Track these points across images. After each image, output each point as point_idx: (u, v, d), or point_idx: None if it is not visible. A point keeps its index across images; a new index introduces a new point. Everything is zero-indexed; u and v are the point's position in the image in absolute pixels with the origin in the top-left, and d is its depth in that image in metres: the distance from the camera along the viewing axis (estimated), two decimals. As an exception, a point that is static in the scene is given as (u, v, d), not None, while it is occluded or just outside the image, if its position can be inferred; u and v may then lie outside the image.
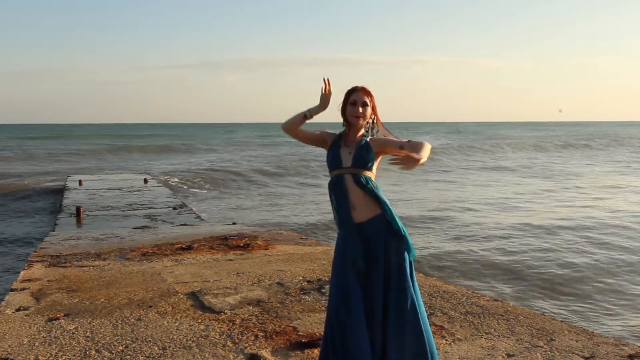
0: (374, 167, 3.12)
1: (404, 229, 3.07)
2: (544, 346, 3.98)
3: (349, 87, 3.17)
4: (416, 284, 3.08)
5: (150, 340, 4.15)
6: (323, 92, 3.10)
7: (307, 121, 3.17)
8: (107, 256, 7.15)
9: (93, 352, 3.94)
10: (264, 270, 6.26)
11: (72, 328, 4.43)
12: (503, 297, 7.14)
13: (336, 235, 3.21)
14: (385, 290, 3.00)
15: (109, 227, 9.97)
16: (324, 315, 4.65)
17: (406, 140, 3.12)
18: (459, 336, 4.19)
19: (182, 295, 5.30)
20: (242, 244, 7.69)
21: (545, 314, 5.07)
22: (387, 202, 3.06)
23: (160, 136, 71.85)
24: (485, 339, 4.13)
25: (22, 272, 6.36)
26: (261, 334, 4.27)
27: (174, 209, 12.51)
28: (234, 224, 10.41)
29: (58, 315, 4.72)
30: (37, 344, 4.10)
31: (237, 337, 4.20)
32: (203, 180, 22.66)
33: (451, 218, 14.08)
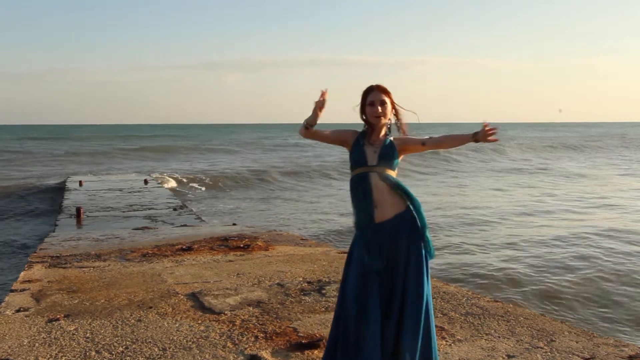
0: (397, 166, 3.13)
1: (427, 227, 3.06)
2: (544, 347, 3.98)
3: (365, 88, 3.15)
4: (430, 285, 3.09)
5: (150, 341, 4.15)
6: (316, 102, 3.05)
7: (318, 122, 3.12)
8: (107, 257, 7.15)
9: (93, 353, 3.94)
10: (264, 271, 6.26)
11: (72, 329, 4.43)
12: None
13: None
14: (402, 290, 3.00)
15: (109, 228, 9.96)
16: (324, 317, 4.65)
17: (427, 136, 3.12)
18: (459, 337, 4.19)
19: (182, 296, 5.30)
20: (242, 245, 7.69)
21: (545, 315, 5.07)
22: (416, 198, 3.06)
23: (161, 137, 71.75)
24: (486, 339, 4.13)
25: (22, 273, 6.36)
26: (261, 335, 4.27)
27: (174, 209, 12.51)
28: (234, 224, 10.41)
29: (58, 316, 4.72)
30: (37, 344, 4.10)
31: (237, 338, 4.20)
32: (211, 181, 22.35)
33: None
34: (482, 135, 2.97)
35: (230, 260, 6.84)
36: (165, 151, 43.22)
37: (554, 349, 3.94)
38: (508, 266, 9.25)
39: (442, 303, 5.01)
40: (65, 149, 45.14)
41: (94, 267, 6.56)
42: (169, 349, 4.01)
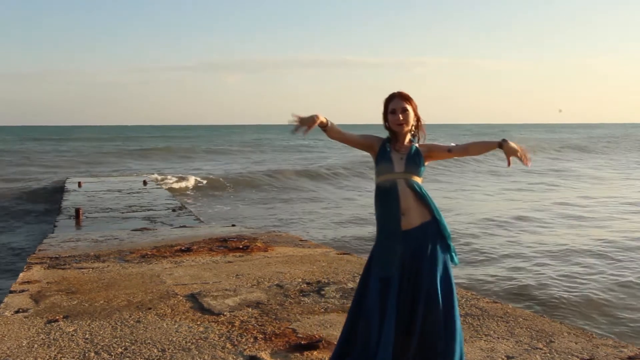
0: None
1: (450, 237, 3.08)
2: (544, 348, 3.98)
3: (387, 95, 3.15)
4: (456, 293, 3.11)
5: (149, 342, 4.14)
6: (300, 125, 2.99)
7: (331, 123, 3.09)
8: (106, 258, 7.14)
9: (92, 354, 3.94)
10: (263, 272, 6.26)
11: (71, 330, 4.42)
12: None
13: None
14: (427, 299, 2.98)
15: (108, 229, 9.96)
16: (323, 318, 4.65)
17: (453, 144, 3.13)
18: (458, 338, 4.18)
19: (181, 297, 5.29)
20: (241, 246, 7.69)
21: (544, 316, 5.07)
22: (438, 208, 3.07)
23: (162, 138, 71.73)
24: (485, 340, 4.13)
25: (21, 274, 6.35)
26: (260, 336, 4.27)
27: (173, 210, 12.51)
28: (233, 225, 10.41)
29: (57, 317, 4.71)
30: (36, 346, 4.10)
31: (236, 339, 4.20)
32: (218, 184, 22.06)
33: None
34: (510, 150, 2.98)
35: (230, 262, 6.84)
36: (167, 151, 43.17)
37: (553, 350, 3.94)
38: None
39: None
40: (65, 150, 45.15)
41: (93, 268, 6.56)
42: (168, 350, 4.00)
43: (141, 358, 3.87)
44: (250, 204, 17.89)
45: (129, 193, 16.04)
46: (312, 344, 4.02)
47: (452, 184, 23.11)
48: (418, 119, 3.16)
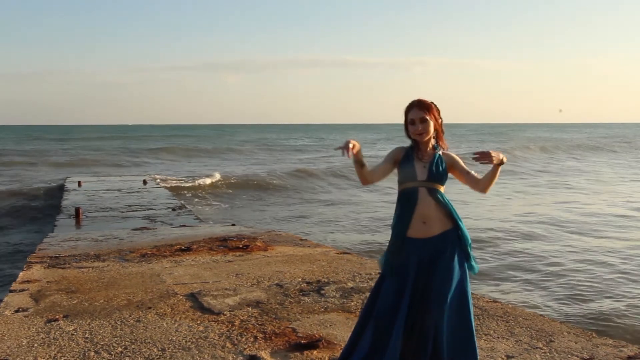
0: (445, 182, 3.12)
1: (471, 245, 3.08)
2: (543, 347, 3.98)
3: (407, 104, 3.13)
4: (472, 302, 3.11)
5: (149, 342, 4.14)
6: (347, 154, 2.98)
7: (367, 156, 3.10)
8: (106, 257, 7.14)
9: (92, 353, 3.94)
10: (263, 271, 6.26)
11: (71, 329, 4.42)
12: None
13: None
14: (443, 306, 2.97)
15: (108, 229, 9.96)
16: (323, 317, 4.66)
17: (473, 172, 3.10)
18: (458, 337, 4.18)
19: (181, 297, 5.29)
20: (241, 245, 7.69)
21: (545, 316, 5.07)
22: (460, 216, 3.07)
23: (162, 138, 71.68)
24: (485, 340, 4.12)
25: (21, 273, 6.35)
26: (260, 335, 4.27)
27: (173, 210, 12.51)
28: (233, 225, 10.41)
29: (57, 317, 4.72)
30: (36, 345, 4.10)
31: (236, 339, 4.20)
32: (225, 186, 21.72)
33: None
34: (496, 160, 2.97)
35: (230, 261, 6.84)
36: (169, 152, 43.10)
37: (553, 350, 3.94)
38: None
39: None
40: (65, 150, 45.14)
41: (92, 268, 6.56)
42: (168, 349, 4.00)
43: (141, 357, 3.87)
44: (282, 206, 17.61)
45: (128, 192, 16.04)
46: (312, 344, 4.02)
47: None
48: (439, 127, 3.13)
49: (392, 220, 3.16)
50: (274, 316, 4.71)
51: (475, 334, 3.07)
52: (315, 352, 3.92)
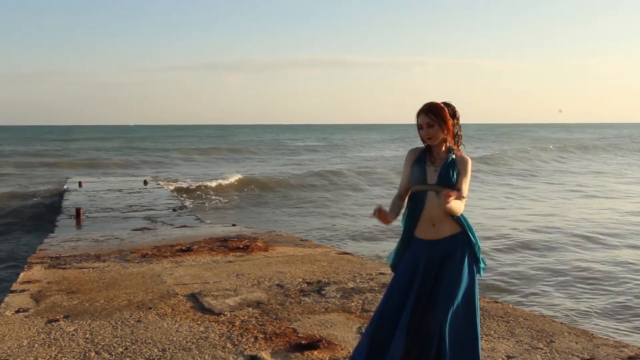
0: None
1: (480, 248, 3.09)
2: (544, 348, 3.98)
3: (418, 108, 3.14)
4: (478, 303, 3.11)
5: (149, 342, 4.14)
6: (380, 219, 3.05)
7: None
8: (107, 258, 7.14)
9: (93, 353, 3.94)
10: (263, 271, 6.26)
11: (71, 330, 4.43)
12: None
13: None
14: (449, 309, 2.97)
15: (109, 229, 9.96)
16: (323, 317, 4.66)
17: (462, 191, 3.03)
18: (458, 338, 4.18)
19: (181, 297, 5.29)
20: (241, 246, 7.69)
21: (545, 316, 5.07)
22: (468, 221, 3.08)
23: (163, 138, 71.67)
24: (485, 340, 4.12)
25: (21, 273, 6.35)
26: (261, 335, 4.27)
27: (174, 210, 12.52)
28: (233, 225, 10.41)
29: (58, 317, 4.72)
30: (36, 345, 4.10)
31: (237, 339, 4.20)
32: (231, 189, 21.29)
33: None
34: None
35: (230, 261, 6.84)
36: (180, 152, 43.02)
37: (553, 350, 3.94)
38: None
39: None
40: (65, 150, 45.15)
41: (93, 268, 6.56)
42: (169, 349, 4.01)
43: (142, 358, 3.87)
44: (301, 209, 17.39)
45: (129, 193, 16.05)
46: (313, 344, 4.02)
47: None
48: (449, 129, 3.11)
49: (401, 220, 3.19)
50: (274, 316, 4.71)
51: (480, 339, 3.06)
52: (315, 352, 3.92)
